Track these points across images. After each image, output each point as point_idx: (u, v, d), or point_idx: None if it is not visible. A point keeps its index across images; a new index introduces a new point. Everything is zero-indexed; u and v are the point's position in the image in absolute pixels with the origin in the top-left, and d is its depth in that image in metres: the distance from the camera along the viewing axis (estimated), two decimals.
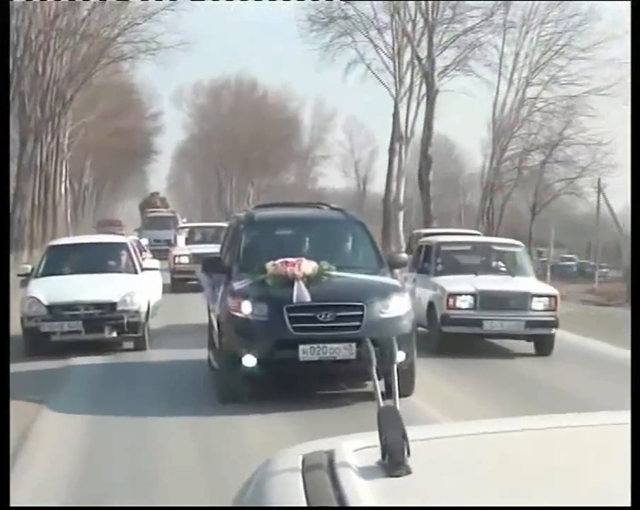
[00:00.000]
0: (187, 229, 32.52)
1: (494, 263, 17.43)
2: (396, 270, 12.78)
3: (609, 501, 1.64)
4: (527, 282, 16.30)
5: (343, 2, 44.44)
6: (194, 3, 45.09)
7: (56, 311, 15.23)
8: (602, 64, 42.60)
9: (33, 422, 10.63)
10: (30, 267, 17.10)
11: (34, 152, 43.43)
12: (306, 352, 10.82)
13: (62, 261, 16.89)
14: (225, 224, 22.93)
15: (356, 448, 1.97)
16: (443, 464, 1.94)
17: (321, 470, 1.87)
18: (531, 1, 45.00)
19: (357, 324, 10.98)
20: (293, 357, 10.80)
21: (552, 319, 15.57)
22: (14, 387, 12.61)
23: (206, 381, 12.64)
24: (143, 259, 18.20)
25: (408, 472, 1.80)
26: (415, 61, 43.75)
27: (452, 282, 15.81)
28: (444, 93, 43.13)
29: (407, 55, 44.80)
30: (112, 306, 15.33)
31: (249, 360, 10.89)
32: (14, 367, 14.14)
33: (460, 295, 15.54)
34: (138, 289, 15.88)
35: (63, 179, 54.83)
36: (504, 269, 17.13)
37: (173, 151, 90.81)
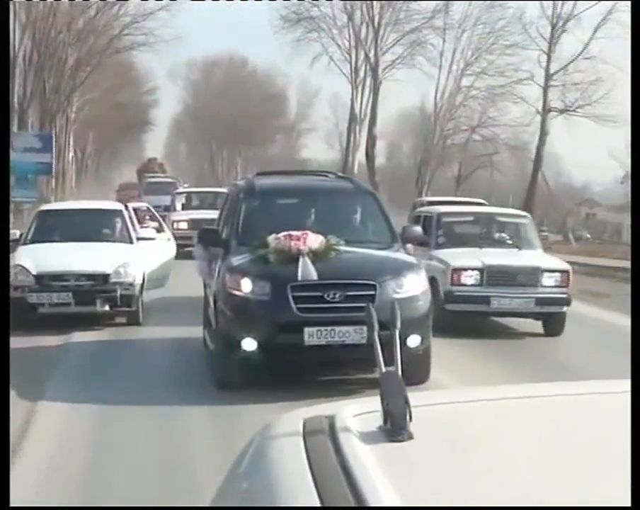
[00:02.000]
0: (184, 195, 30.37)
1: (499, 235, 15.18)
2: (408, 245, 10.99)
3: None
4: (536, 256, 14.29)
5: (309, 4, 51.46)
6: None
7: (45, 281, 13.41)
8: (524, 59, 49.27)
9: (31, 414, 8.88)
10: (18, 232, 14.94)
11: (50, 127, 47.52)
12: (312, 335, 9.10)
13: (53, 227, 14.92)
14: (223, 190, 20.98)
15: (357, 412, 1.90)
16: (445, 429, 1.89)
17: (322, 435, 1.79)
18: (467, 5, 51.54)
19: (369, 304, 9.24)
20: (298, 341, 9.08)
21: (564, 296, 13.59)
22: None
23: (203, 364, 10.85)
24: (155, 228, 16.12)
25: (410, 437, 1.71)
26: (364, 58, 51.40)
27: (456, 256, 13.76)
28: (393, 82, 51.47)
29: (361, 52, 52.55)
30: (104, 277, 13.51)
31: (249, 344, 9.14)
32: None
33: (465, 269, 13.49)
34: (133, 260, 13.97)
35: (70, 149, 56.69)
36: (510, 242, 14.90)
37: (169, 123, 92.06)
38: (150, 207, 17.73)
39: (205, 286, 11.68)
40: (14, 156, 32.76)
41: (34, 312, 13.42)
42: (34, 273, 13.44)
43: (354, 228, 10.67)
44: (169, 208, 28.57)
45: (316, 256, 9.36)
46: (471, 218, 15.90)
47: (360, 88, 52.45)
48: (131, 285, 13.65)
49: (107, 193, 49.03)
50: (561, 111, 47.75)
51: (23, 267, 13.52)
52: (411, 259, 10.12)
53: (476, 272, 13.51)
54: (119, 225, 15.06)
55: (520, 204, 41.11)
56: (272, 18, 52.97)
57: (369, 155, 50.22)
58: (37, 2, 45.09)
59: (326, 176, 12.33)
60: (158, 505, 6.36)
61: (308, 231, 9.63)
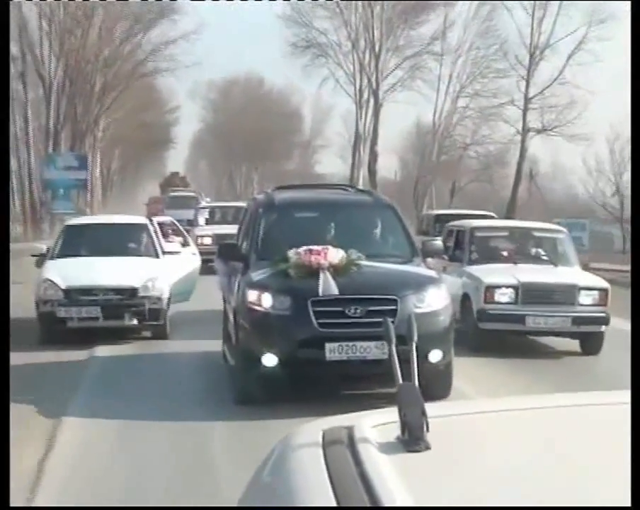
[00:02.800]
0: (207, 209, 29.58)
1: (534, 251, 14.14)
2: (429, 259, 10.59)
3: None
4: (572, 274, 13.27)
5: (317, 32, 54.58)
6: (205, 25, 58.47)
7: (74, 295, 13.01)
8: (515, 83, 51.31)
9: (56, 428, 8.55)
10: (45, 247, 14.61)
11: (81, 146, 50.90)
12: (333, 351, 8.67)
13: (80, 241, 14.49)
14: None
15: (375, 423, 1.89)
16: (461, 440, 1.87)
17: (341, 445, 1.78)
18: (463, 32, 53.90)
19: (390, 319, 8.85)
20: (319, 356, 8.68)
21: (602, 315, 12.60)
22: (32, 381, 10.60)
23: (224, 379, 10.46)
24: (180, 242, 15.66)
25: (427, 447, 1.69)
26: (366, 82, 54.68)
27: (489, 273, 12.82)
28: (394, 103, 54.69)
29: (365, 76, 55.26)
30: (132, 292, 13.15)
31: (269, 360, 8.76)
32: (29, 357, 11.98)
33: (500, 287, 12.56)
34: (160, 274, 13.61)
35: (97, 166, 58.28)
36: (545, 258, 13.87)
37: (189, 140, 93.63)
38: (175, 222, 17.26)
39: (225, 301, 11.25)
40: (55, 174, 37.54)
41: (63, 325, 13.04)
42: (63, 287, 13.08)
43: (374, 242, 10.22)
44: (192, 222, 28.13)
45: (336, 270, 8.99)
46: (505, 233, 14.89)
47: (363, 109, 55.40)
48: (159, 299, 13.30)
49: (131, 206, 49.88)
50: (539, 131, 50.82)
51: (52, 281, 13.17)
52: (432, 273, 9.68)
53: (510, 289, 12.60)
54: (145, 239, 14.70)
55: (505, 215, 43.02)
56: (284, 44, 55.44)
57: (371, 170, 52.88)
58: (70, 35, 48.13)
59: (345, 190, 11.91)
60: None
61: (328, 246, 9.25)
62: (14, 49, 44.62)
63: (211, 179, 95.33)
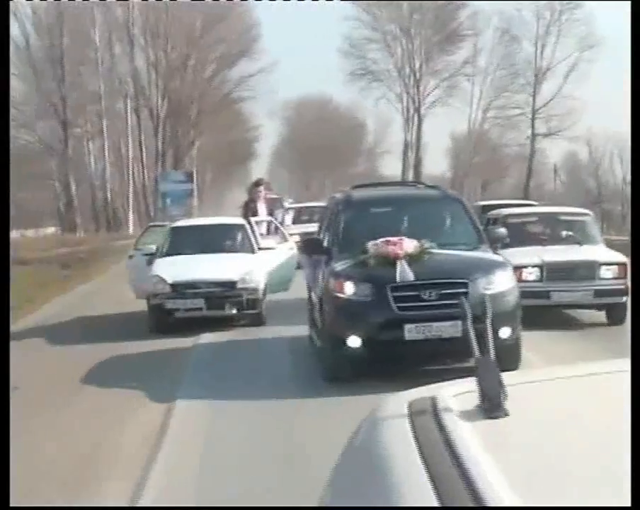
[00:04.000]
0: (293, 210, 30.04)
1: (562, 233, 14.39)
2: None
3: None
4: (594, 251, 13.47)
5: (370, 62, 63.17)
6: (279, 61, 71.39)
7: (180, 289, 13.51)
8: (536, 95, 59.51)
9: (167, 411, 8.72)
10: (154, 247, 15.00)
11: (182, 164, 58.83)
12: (411, 331, 8.76)
13: (184, 241, 14.93)
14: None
15: (456, 393, 1.85)
16: (538, 406, 1.85)
17: (426, 415, 1.77)
18: (490, 55, 62.57)
19: (462, 298, 9.21)
20: (398, 337, 8.74)
21: (622, 287, 12.76)
22: (144, 366, 10.83)
23: (309, 358, 10.69)
24: (278, 239, 15.97)
25: (506, 414, 1.68)
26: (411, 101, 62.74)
27: (518, 255, 12.88)
28: (433, 116, 63.66)
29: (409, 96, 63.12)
30: (232, 284, 13.56)
31: (354, 341, 8.89)
32: (142, 345, 12.32)
33: (526, 267, 12.87)
34: (256, 267, 13.97)
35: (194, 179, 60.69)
36: (572, 239, 14.12)
37: (270, 153, 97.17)
38: (273, 220, 17.58)
39: (309, 290, 11.46)
40: (168, 187, 49.43)
41: (171, 316, 13.52)
42: (170, 282, 13.50)
43: (444, 232, 10.25)
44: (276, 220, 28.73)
45: (411, 258, 9.07)
46: (535, 218, 15.22)
47: (409, 122, 63.98)
48: (255, 290, 13.62)
49: (223, 210, 51.79)
50: (545, 135, 60.13)
51: (161, 277, 13.60)
52: (499, 258, 9.63)
53: (536, 268, 12.98)
54: (242, 237, 15.05)
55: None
56: (344, 72, 63.44)
57: (417, 170, 61.30)
58: (171, 78, 56.98)
59: (415, 186, 12.28)
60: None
61: (403, 237, 9.32)
62: (131, 89, 55.29)
63: (290, 185, 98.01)
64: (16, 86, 54.10)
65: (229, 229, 15.53)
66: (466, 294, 8.77)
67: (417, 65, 63.06)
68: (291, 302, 15.09)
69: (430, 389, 1.94)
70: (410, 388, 2.02)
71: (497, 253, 10.06)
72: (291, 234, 24.60)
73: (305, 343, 11.67)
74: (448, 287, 8.93)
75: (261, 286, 13.93)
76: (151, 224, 18.12)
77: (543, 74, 60.33)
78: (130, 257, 15.75)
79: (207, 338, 12.98)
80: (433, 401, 1.82)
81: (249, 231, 15.23)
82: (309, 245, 10.77)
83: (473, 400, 1.76)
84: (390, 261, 9.11)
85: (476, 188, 65.22)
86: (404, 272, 9.01)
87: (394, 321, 8.84)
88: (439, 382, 1.99)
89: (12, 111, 53.84)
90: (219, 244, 14.83)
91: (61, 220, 55.19)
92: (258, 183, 17.81)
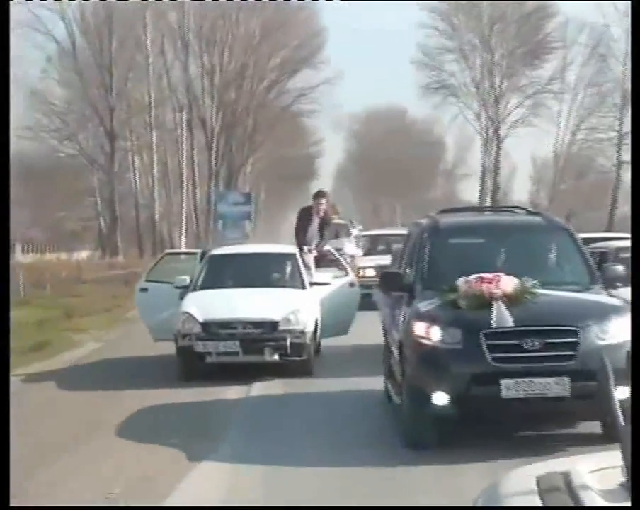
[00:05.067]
0: (366, 238, 28.11)
1: None
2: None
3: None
4: None
5: (447, 75, 62.01)
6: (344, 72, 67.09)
7: (212, 329, 12.57)
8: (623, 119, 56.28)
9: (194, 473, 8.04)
10: (188, 278, 13.99)
11: (235, 182, 60.68)
12: (509, 388, 7.92)
13: (223, 272, 13.99)
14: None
15: (592, 469, 1.78)
16: None
17: (560, 493, 1.68)
18: (580, 70, 60.81)
19: (571, 353, 7.94)
20: (494, 394, 7.92)
21: None
22: (169, 422, 10.10)
23: (383, 419, 9.82)
24: (338, 272, 14.86)
25: None
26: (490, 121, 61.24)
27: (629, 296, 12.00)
28: (516, 138, 62.62)
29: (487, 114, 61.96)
30: (273, 325, 12.58)
31: (440, 398, 8.11)
32: (169, 395, 11.53)
33: None
34: (304, 306, 12.93)
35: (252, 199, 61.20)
36: None
37: (333, 171, 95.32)
38: (332, 250, 16.28)
39: (386, 334, 10.62)
40: (226, 208, 49.67)
41: (201, 361, 12.55)
42: (200, 320, 12.59)
43: (549, 268, 9.45)
44: (341, 250, 27.13)
45: (510, 300, 8.29)
46: None
47: (488, 143, 62.17)
48: (302, 332, 12.61)
49: (280, 236, 51.20)
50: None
51: (190, 314, 12.64)
52: (616, 301, 8.75)
53: None
54: (291, 269, 14.06)
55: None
56: (417, 85, 61.94)
57: (494, 198, 58.87)
58: (227, 90, 57.17)
59: (513, 212, 11.42)
60: None
61: (500, 273, 8.55)
62: (184, 100, 55.29)
63: (356, 208, 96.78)
64: (59, 94, 54.55)
65: (276, 260, 14.57)
66: (575, 344, 8.07)
67: (497, 80, 61.20)
68: (353, 349, 14.34)
69: (559, 463, 1.91)
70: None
71: (612, 295, 9.14)
72: (362, 268, 23.53)
73: (373, 398, 10.90)
74: (554, 336, 8.19)
75: (309, 328, 12.88)
76: (168, 251, 17.17)
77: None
78: (143, 290, 14.57)
79: (240, 391, 12.06)
80: (566, 477, 1.79)
81: (299, 262, 14.19)
82: (387, 280, 9.96)
83: (614, 476, 1.68)
84: (485, 302, 8.37)
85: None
86: (502, 316, 8.23)
87: (489, 375, 8.09)
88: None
89: (55, 121, 54.26)
90: (263, 277, 13.93)
91: (101, 242, 55.19)
92: (319, 194, 15.92)
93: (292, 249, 14.99)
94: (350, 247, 26.72)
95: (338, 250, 27.56)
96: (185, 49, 56.25)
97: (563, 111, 61.78)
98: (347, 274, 14.98)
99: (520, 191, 75.79)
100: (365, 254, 25.43)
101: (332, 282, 14.31)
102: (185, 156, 55.17)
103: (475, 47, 61.08)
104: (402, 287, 9.38)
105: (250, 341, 12.57)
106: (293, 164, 69.45)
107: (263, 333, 12.63)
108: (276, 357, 12.66)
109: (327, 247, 15.94)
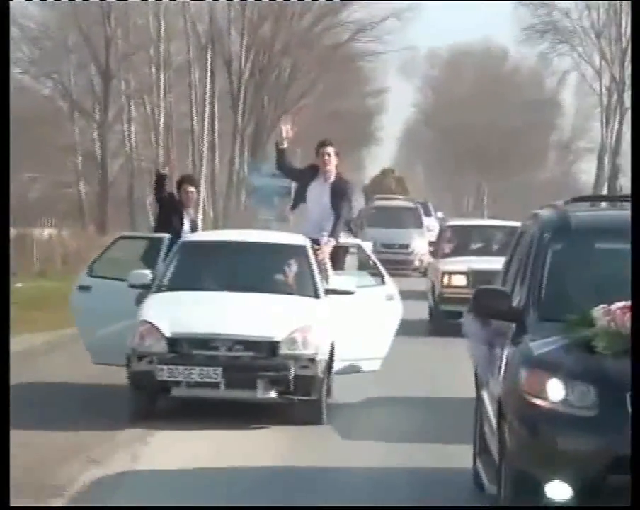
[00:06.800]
0: (453, 228, 26.63)
1: None
2: None
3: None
4: None
5: (559, 13, 62.39)
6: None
7: (183, 348, 12.22)
8: None
9: None
10: (149, 273, 13.43)
11: (263, 145, 59.73)
12: None
13: (201, 267, 13.68)
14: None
15: None
16: None
17: None
18: None
19: None
20: None
21: None
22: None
23: None
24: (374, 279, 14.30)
25: None
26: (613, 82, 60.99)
27: None
28: None
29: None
30: (271, 346, 12.23)
31: (558, 490, 7.45)
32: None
33: None
34: (316, 322, 12.59)
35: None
36: None
37: (399, 134, 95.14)
38: (362, 246, 15.80)
39: (479, 385, 9.84)
40: (261, 181, 48.43)
41: (165, 394, 12.27)
42: (167, 334, 12.14)
43: None
44: (406, 247, 25.92)
45: None
46: None
47: (610, 112, 62.64)
48: (312, 360, 12.25)
49: None
50: None
51: (152, 325, 12.19)
52: None
53: None
54: (299, 269, 13.46)
55: None
56: (518, 26, 63.76)
57: (611, 187, 57.68)
58: (261, 25, 58.13)
59: None
60: None
61: None
62: (203, 39, 55.85)
63: (427, 187, 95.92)
64: (36, 13, 54.39)
65: (279, 254, 13.96)
66: None
67: (624, 25, 59.30)
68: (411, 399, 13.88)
69: None
70: None
71: None
72: (449, 273, 22.43)
73: (447, 485, 10.06)
74: None
75: (323, 355, 12.44)
76: (123, 234, 16.61)
77: None
78: (83, 289, 13.96)
79: (216, 446, 11.38)
80: None
81: (311, 258, 13.55)
82: (484, 300, 8.92)
83: None
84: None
85: None
86: None
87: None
88: None
89: (29, 49, 54.29)
90: (260, 277, 13.59)
91: (82, 215, 55.28)
92: (325, 143, 15.15)
93: (301, 240, 14.26)
94: (420, 243, 25.56)
95: (402, 247, 26.32)
96: None
97: None
98: (383, 282, 14.36)
99: None
100: (450, 253, 23.96)
101: (355, 291, 13.59)
102: (201, 109, 55.12)
103: None
104: (506, 313, 8.47)
105: (238, 369, 12.19)
106: (344, 123, 67.97)
107: (257, 358, 12.26)
108: (273, 394, 12.26)
109: (357, 242, 15.43)
